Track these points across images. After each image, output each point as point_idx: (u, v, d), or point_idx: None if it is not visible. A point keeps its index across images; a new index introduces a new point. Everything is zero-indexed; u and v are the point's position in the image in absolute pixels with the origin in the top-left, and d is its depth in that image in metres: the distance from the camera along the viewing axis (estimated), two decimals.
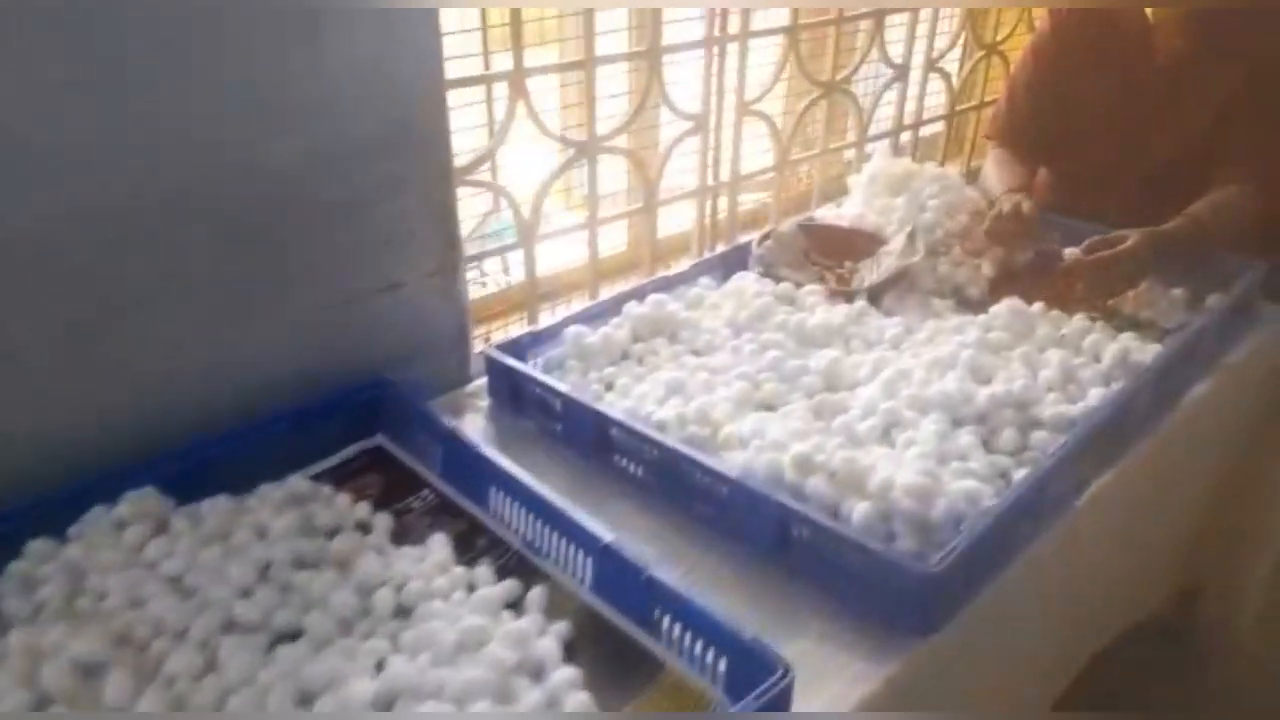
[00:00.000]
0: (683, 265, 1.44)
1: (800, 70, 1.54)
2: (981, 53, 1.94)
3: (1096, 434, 1.04)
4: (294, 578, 0.82)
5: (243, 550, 0.84)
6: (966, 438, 1.02)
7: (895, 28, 1.74)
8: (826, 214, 1.60)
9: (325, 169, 0.99)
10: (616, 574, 0.80)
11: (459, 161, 1.14)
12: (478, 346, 1.25)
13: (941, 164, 1.99)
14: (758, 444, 0.99)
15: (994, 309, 1.28)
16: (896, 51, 1.76)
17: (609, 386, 1.15)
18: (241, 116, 0.92)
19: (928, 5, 1.76)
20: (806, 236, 1.55)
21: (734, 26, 1.41)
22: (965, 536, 0.83)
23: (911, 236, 1.46)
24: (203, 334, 0.97)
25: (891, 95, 1.81)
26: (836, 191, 1.71)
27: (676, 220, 1.70)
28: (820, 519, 0.86)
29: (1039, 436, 1.05)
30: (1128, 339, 1.23)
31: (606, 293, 1.38)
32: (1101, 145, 1.60)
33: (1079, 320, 1.28)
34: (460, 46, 1.34)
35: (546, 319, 1.29)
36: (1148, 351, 1.19)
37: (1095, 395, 1.10)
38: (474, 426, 1.15)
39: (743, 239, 1.52)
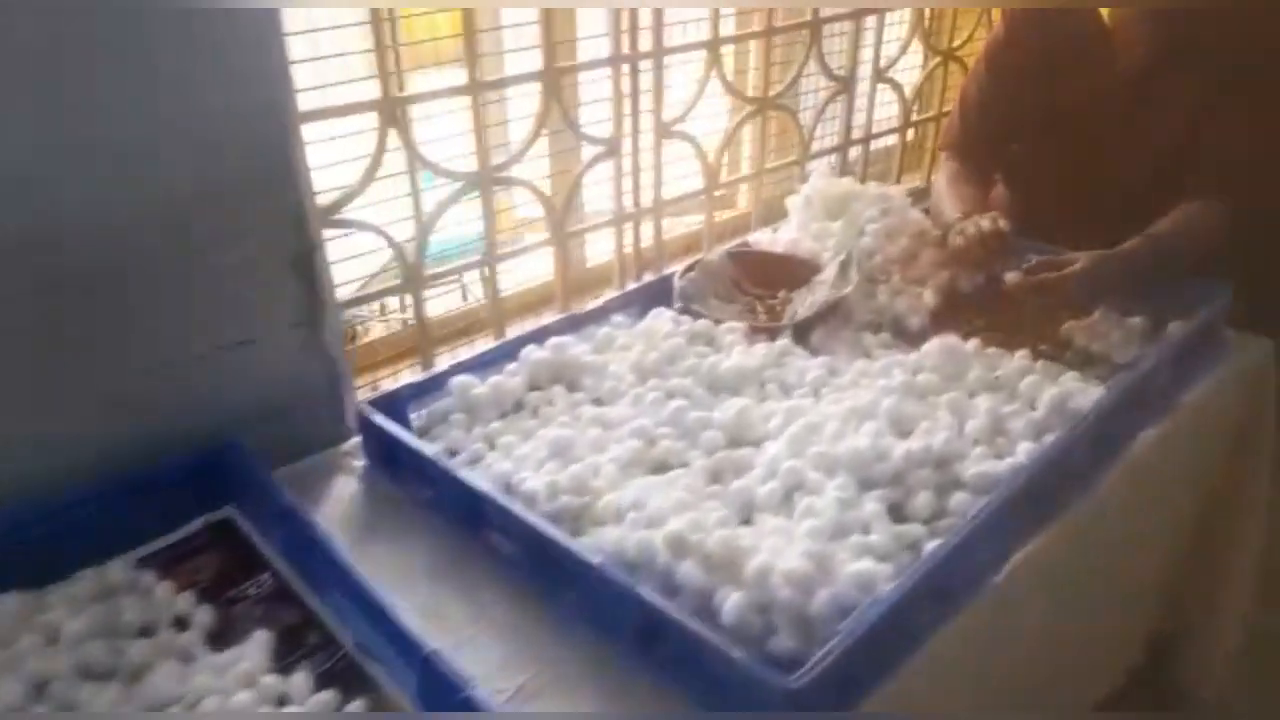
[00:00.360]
0: (599, 300, 1.34)
1: (726, 87, 1.43)
2: (938, 59, 1.82)
3: (1021, 495, 0.93)
4: (78, 694, 0.72)
5: (21, 660, 0.74)
6: (872, 505, 0.91)
7: (837, 37, 1.63)
8: (761, 239, 1.49)
9: (157, 217, 0.90)
10: (438, 689, 0.70)
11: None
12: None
13: (898, 179, 1.89)
14: (634, 517, 0.88)
15: (926, 347, 1.17)
16: (841, 62, 1.65)
17: (492, 445, 1.05)
18: (68, 162, 0.82)
19: (890, 8, 1.66)
20: (736, 265, 1.44)
21: (647, 43, 1.31)
22: (844, 637, 0.72)
23: (844, 265, 1.35)
24: (20, 397, 0.87)
25: (839, 109, 1.69)
26: (779, 215, 1.60)
27: (606, 248, 1.60)
28: (678, 615, 0.76)
29: (959, 500, 0.94)
30: (1070, 380, 1.12)
31: (529, 327, 1.28)
32: (1061, 159, 1.48)
33: (1020, 359, 1.17)
34: (364, 67, 1.24)
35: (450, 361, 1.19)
36: (1090, 395, 1.08)
37: (1025, 450, 0.99)
38: (344, 491, 1.05)
39: (670, 269, 1.42)
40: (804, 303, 1.34)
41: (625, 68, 1.28)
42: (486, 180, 1.20)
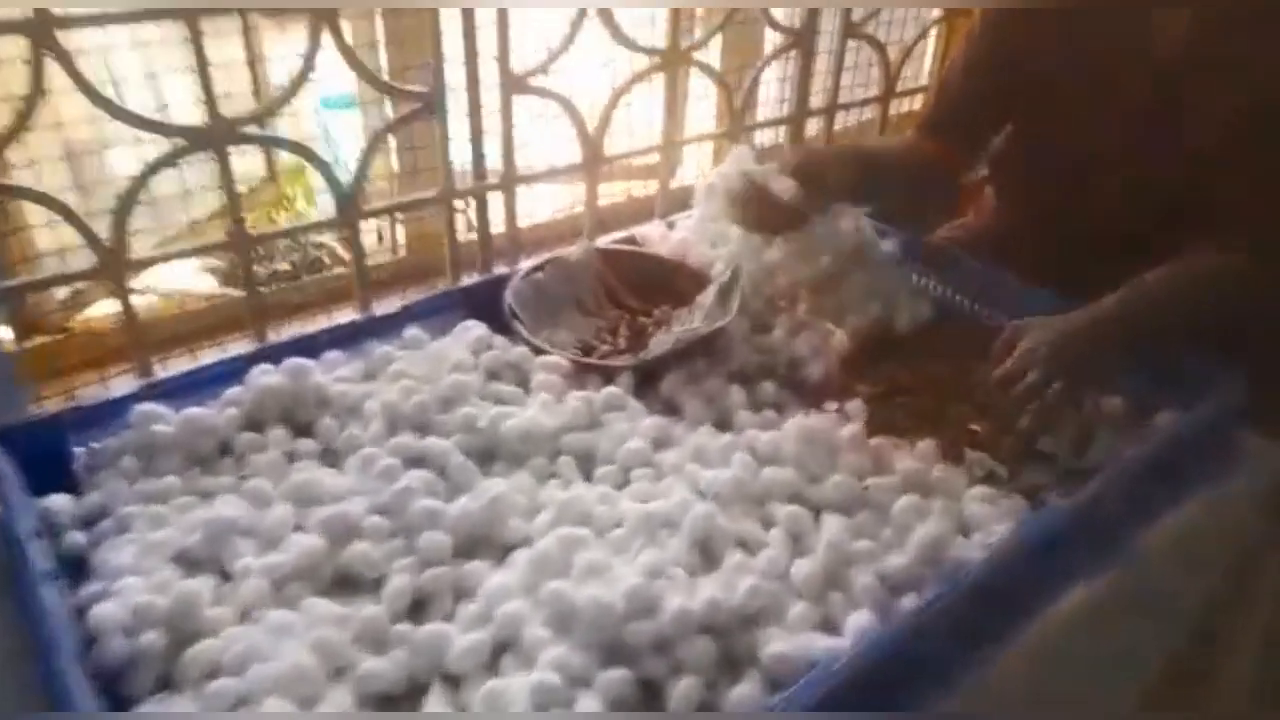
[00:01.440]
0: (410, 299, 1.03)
1: (613, 33, 1.08)
2: (939, 16, 1.44)
3: (840, 693, 0.62)
4: None
5: None
6: (591, 701, 0.61)
7: None
8: (652, 234, 1.16)
9: None
10: None
11: None
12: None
13: None
14: (222, 687, 0.60)
15: (786, 426, 0.84)
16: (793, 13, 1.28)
17: (125, 526, 0.75)
18: None
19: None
20: (609, 267, 1.12)
21: None
22: None
23: (725, 289, 1.02)
24: None
25: (790, 69, 1.33)
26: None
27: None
28: None
29: (742, 693, 0.63)
30: (976, 499, 0.79)
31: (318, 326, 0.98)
32: (1061, 153, 1.11)
33: (919, 456, 0.84)
34: None
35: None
36: (993, 533, 0.75)
37: (855, 624, 0.67)
38: None
39: (528, 264, 1.10)
40: (679, 328, 1.02)
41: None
42: (219, 137, 0.89)
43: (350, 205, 0.98)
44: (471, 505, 0.75)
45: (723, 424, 0.91)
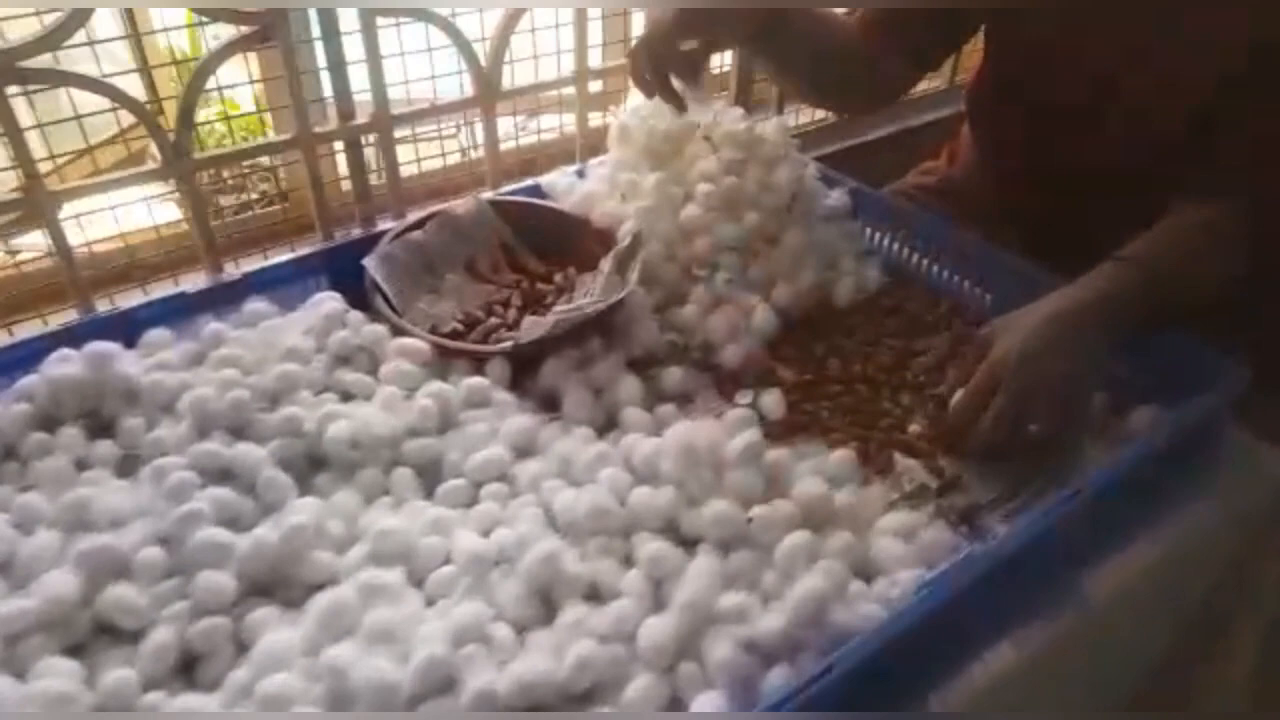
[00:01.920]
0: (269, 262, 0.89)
1: None
2: None
3: None
4: None
5: None
6: None
7: None
8: (558, 184, 1.00)
9: None
10: None
11: None
12: None
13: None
14: None
15: (667, 435, 0.70)
16: None
17: None
18: None
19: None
20: (505, 223, 0.97)
21: None
22: None
23: (624, 257, 0.87)
24: None
25: None
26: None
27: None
28: None
29: None
30: (889, 531, 0.66)
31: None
32: (1049, 90, 0.93)
33: (823, 473, 0.70)
34: None
35: None
36: (898, 582, 0.61)
37: (706, 704, 0.54)
38: None
39: (416, 216, 0.95)
40: (562, 306, 0.87)
41: None
42: None
43: (180, 156, 0.83)
44: (269, 536, 0.63)
45: (609, 423, 0.77)
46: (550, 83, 1.04)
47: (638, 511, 0.65)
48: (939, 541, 0.66)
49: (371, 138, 0.95)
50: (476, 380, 0.77)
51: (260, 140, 0.95)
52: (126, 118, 0.86)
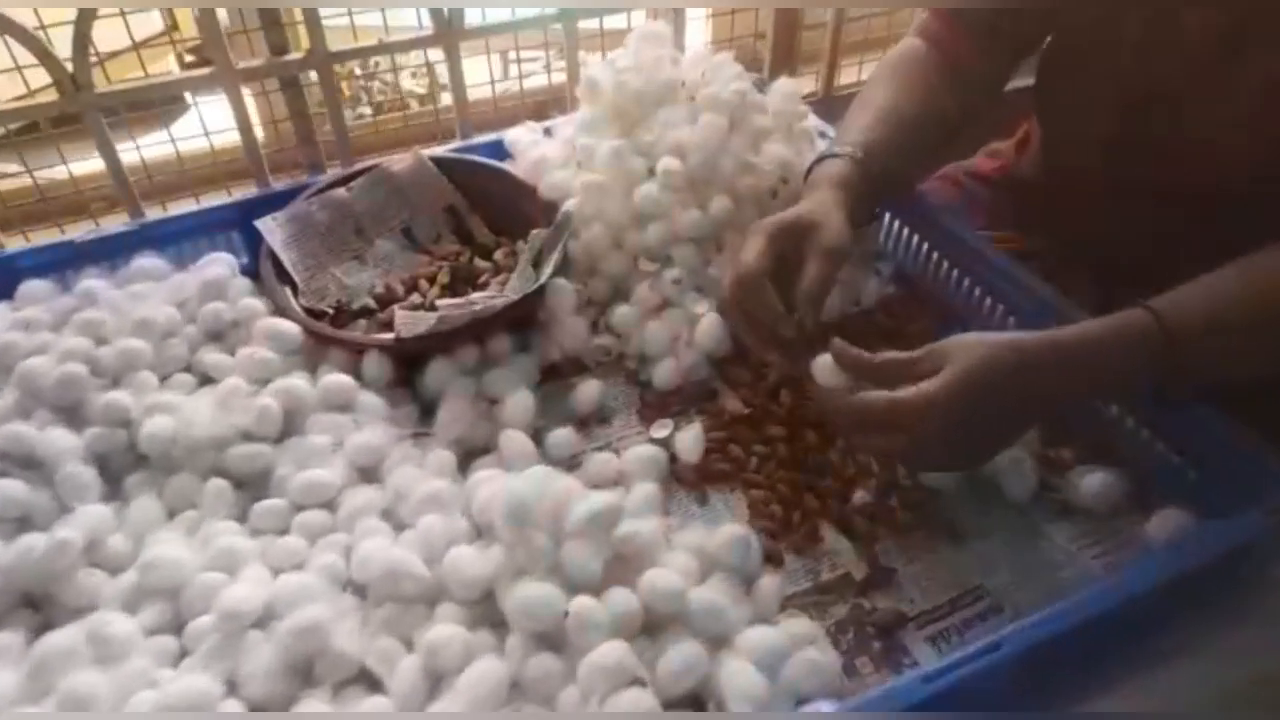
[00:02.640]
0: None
1: None
2: None
3: None
4: None
5: None
6: None
7: None
8: (522, 138, 0.86)
9: None
10: None
11: None
12: None
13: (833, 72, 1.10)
14: None
15: (509, 484, 0.56)
16: None
17: None
18: None
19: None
20: (454, 182, 0.84)
21: None
22: None
23: (545, 243, 0.73)
24: None
25: None
26: None
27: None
28: None
29: None
30: (741, 659, 0.51)
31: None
32: (1119, 84, 0.71)
33: (698, 547, 0.56)
34: None
35: None
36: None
37: None
38: None
39: (366, 163, 0.84)
40: (513, 282, 0.74)
41: None
42: None
43: (80, 89, 0.75)
44: (35, 546, 0.55)
45: (488, 445, 0.65)
46: (529, 20, 0.88)
47: (447, 577, 0.54)
48: (816, 670, 0.50)
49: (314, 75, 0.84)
50: (339, 379, 0.66)
51: (178, 75, 0.85)
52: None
